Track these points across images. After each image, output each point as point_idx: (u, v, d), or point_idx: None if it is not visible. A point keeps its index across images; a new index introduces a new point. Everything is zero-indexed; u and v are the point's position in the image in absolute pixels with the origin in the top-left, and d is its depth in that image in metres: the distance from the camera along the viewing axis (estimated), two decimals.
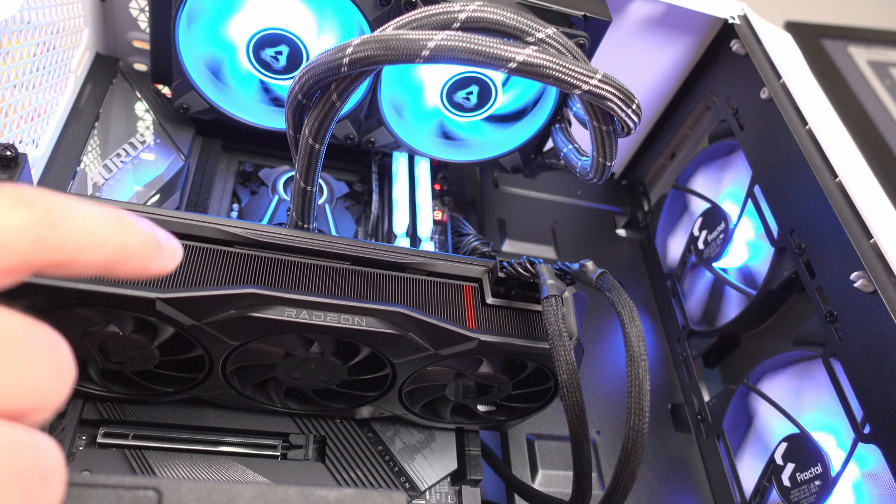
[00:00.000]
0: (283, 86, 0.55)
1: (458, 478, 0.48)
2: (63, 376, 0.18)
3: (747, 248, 0.60)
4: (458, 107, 0.56)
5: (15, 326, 0.17)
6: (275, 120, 0.56)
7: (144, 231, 0.20)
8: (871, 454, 0.45)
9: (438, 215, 0.64)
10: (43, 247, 0.17)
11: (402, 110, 0.58)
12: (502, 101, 0.56)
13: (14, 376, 0.17)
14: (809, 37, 1.29)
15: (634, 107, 0.35)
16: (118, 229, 0.19)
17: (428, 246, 0.58)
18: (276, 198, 0.58)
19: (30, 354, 0.17)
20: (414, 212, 0.59)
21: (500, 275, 0.40)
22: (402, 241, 0.58)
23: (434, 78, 0.55)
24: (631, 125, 0.36)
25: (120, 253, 0.19)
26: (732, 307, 0.61)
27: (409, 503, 0.46)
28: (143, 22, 0.58)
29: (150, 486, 0.21)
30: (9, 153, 0.37)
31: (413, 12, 0.35)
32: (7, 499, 0.16)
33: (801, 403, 0.51)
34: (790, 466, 0.49)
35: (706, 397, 0.60)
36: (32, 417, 0.17)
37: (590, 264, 0.39)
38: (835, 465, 0.46)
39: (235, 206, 0.60)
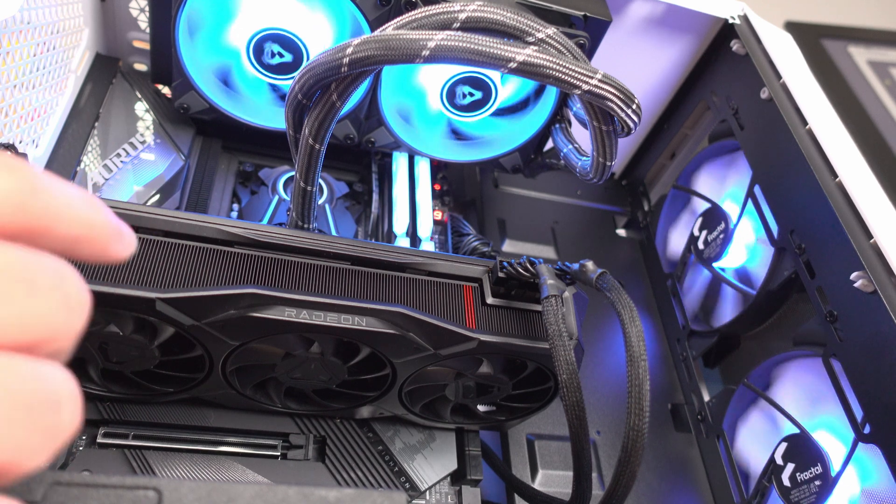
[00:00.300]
0: (288, 85, 0.55)
1: (458, 478, 0.48)
2: (72, 304, 0.18)
3: (746, 250, 0.60)
4: (462, 107, 0.56)
5: (14, 257, 0.17)
6: (277, 119, 0.56)
7: (111, 215, 0.21)
8: (870, 457, 0.45)
9: (438, 215, 0.64)
10: (23, 212, 0.18)
11: (409, 117, 0.58)
12: (504, 94, 0.56)
13: (15, 307, 0.17)
14: (809, 37, 1.29)
15: (634, 107, 0.35)
16: (91, 207, 0.20)
17: (428, 246, 0.58)
18: (276, 198, 0.58)
19: (31, 284, 0.17)
20: (414, 212, 0.59)
21: (500, 275, 0.40)
22: (402, 241, 0.58)
23: (434, 81, 0.55)
24: (631, 125, 0.36)
25: (89, 231, 0.20)
26: (732, 307, 0.61)
27: (409, 503, 0.46)
28: (143, 22, 0.59)
29: (150, 486, 0.21)
30: (9, 153, 0.37)
31: (413, 12, 0.35)
32: (15, 428, 0.16)
33: (801, 403, 0.51)
34: (790, 466, 0.49)
35: (706, 397, 0.60)
36: (46, 348, 0.17)
37: (590, 264, 0.39)
38: (835, 465, 0.46)
39: (235, 206, 0.60)
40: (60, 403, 0.17)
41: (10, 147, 0.37)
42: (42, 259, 0.18)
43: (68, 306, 0.18)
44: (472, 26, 0.35)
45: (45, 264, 0.18)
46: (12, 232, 0.18)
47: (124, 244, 0.21)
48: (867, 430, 0.44)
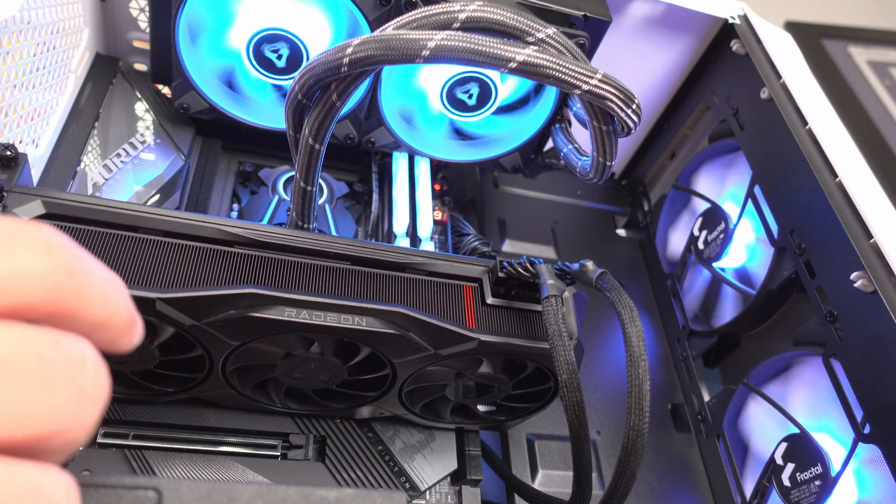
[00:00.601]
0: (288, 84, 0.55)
1: (458, 478, 0.48)
2: (87, 395, 0.17)
3: (746, 250, 0.60)
4: (463, 107, 0.56)
5: (33, 343, 0.16)
6: (277, 119, 0.56)
7: (131, 306, 0.20)
8: (868, 469, 0.45)
9: (438, 215, 0.64)
10: (55, 295, 0.17)
11: (412, 119, 0.58)
12: (504, 92, 0.56)
13: (22, 400, 0.16)
14: (809, 37, 1.29)
15: (634, 107, 0.35)
16: (118, 293, 0.19)
17: (428, 246, 0.58)
18: (276, 198, 0.58)
19: (45, 375, 0.16)
20: (414, 212, 0.59)
21: (500, 275, 0.40)
22: (402, 241, 0.58)
23: (435, 82, 0.55)
24: (631, 125, 0.36)
25: (111, 318, 0.19)
26: (732, 307, 0.61)
27: (409, 503, 0.46)
28: (143, 22, 0.59)
29: (150, 486, 0.21)
30: (9, 153, 0.37)
31: (413, 12, 0.35)
32: None
33: (801, 403, 0.51)
34: (790, 466, 0.49)
35: (706, 397, 0.60)
36: (51, 443, 0.16)
37: (590, 264, 0.39)
38: (835, 465, 0.46)
39: (235, 206, 0.60)
40: None
41: (9, 147, 0.37)
42: (63, 343, 0.17)
43: (82, 398, 0.17)
44: (472, 26, 0.35)
45: (66, 350, 0.17)
46: (41, 314, 0.17)
47: (133, 336, 0.20)
48: (867, 430, 0.44)
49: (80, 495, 0.19)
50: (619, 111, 0.35)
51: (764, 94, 0.55)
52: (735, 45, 0.60)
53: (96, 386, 0.18)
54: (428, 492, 0.47)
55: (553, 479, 0.54)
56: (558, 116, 0.56)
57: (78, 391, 0.17)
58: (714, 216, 0.62)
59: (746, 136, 0.58)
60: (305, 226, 0.42)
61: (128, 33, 0.59)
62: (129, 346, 0.20)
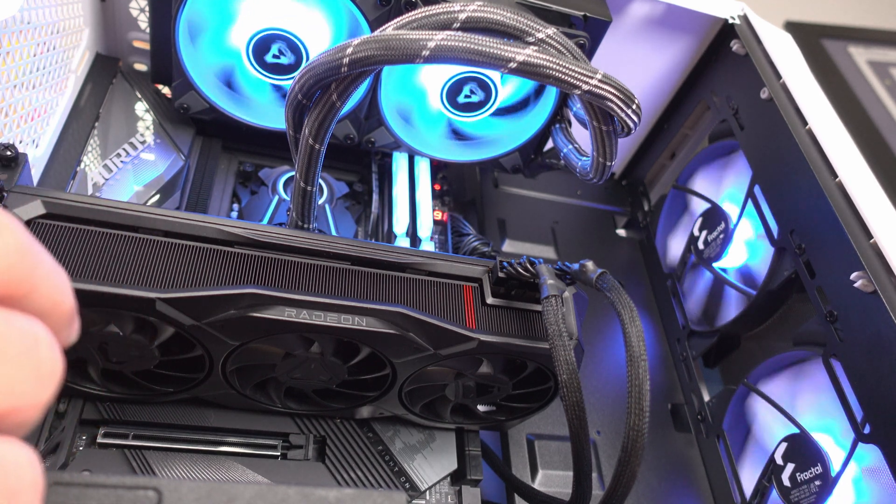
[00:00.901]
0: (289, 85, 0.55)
1: (458, 478, 0.48)
2: (43, 373, 0.17)
3: (747, 249, 0.60)
4: (462, 107, 0.56)
5: None
6: (277, 119, 0.56)
7: (73, 298, 0.20)
8: (866, 480, 0.45)
9: (438, 215, 0.64)
10: (8, 275, 0.17)
11: (409, 117, 0.58)
12: (504, 94, 0.56)
13: None
14: (809, 37, 1.29)
15: (634, 107, 0.35)
16: (64, 284, 0.19)
17: (428, 246, 0.58)
18: (276, 198, 0.58)
19: (1, 352, 0.16)
20: (414, 212, 0.59)
21: (500, 275, 0.40)
22: (402, 241, 0.58)
23: (435, 81, 0.55)
24: (631, 125, 0.36)
25: (58, 306, 0.19)
26: (732, 307, 0.61)
27: (409, 503, 0.46)
28: (143, 22, 0.59)
29: (150, 486, 0.21)
30: (9, 153, 0.37)
31: (413, 12, 0.35)
32: None
33: (801, 403, 0.51)
34: (790, 466, 0.49)
35: (706, 397, 0.61)
36: (10, 420, 0.16)
37: (590, 264, 0.39)
38: (835, 465, 0.46)
39: (235, 206, 0.60)
40: (16, 495, 0.16)
41: (9, 147, 0.37)
42: (18, 321, 0.17)
43: (38, 376, 0.17)
44: (472, 26, 0.35)
45: (21, 328, 0.17)
46: None
47: (73, 330, 0.20)
48: (867, 430, 0.44)
49: (78, 494, 0.19)
50: (619, 111, 0.35)
51: (764, 94, 0.55)
52: (735, 46, 0.60)
53: (51, 364, 0.18)
54: (428, 492, 0.47)
55: (553, 479, 0.54)
56: (558, 116, 0.56)
57: (34, 369, 0.17)
58: (714, 216, 0.62)
59: (746, 136, 0.58)
60: (305, 226, 0.42)
61: (128, 33, 0.59)
62: (68, 341, 0.20)
